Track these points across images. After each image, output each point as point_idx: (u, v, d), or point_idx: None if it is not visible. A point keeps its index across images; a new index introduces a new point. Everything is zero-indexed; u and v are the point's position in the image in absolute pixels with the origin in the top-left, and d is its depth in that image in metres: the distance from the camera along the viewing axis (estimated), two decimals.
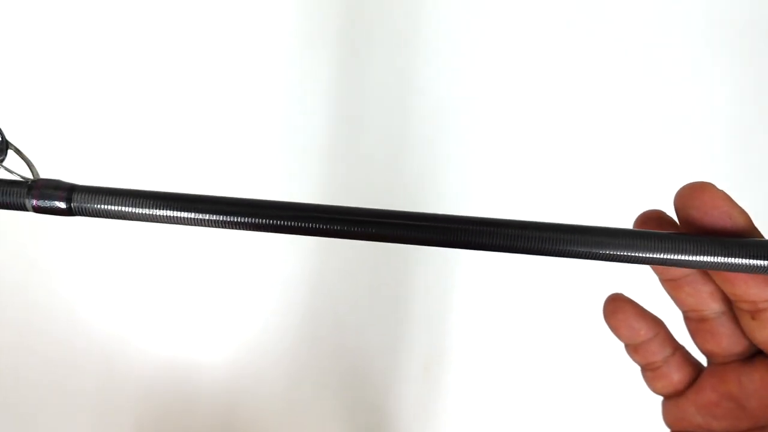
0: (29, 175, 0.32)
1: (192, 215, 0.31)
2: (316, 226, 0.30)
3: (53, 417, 0.80)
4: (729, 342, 0.26)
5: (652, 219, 0.26)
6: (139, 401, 0.78)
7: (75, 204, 0.31)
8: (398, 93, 0.66)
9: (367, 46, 0.65)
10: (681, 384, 0.28)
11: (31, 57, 0.67)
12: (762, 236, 0.24)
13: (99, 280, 0.75)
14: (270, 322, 0.75)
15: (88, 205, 0.31)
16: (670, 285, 0.27)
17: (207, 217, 0.31)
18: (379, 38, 0.66)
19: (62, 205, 0.31)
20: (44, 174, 0.33)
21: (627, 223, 0.27)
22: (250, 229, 0.31)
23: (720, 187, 0.23)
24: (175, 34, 0.66)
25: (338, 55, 0.65)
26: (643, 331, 0.28)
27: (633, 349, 0.29)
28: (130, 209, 0.31)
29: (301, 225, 0.30)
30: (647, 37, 0.63)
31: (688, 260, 0.24)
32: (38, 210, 0.32)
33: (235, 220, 0.30)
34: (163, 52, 0.66)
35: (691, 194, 0.23)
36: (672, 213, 0.25)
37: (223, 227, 0.31)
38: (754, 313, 0.23)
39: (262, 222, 0.31)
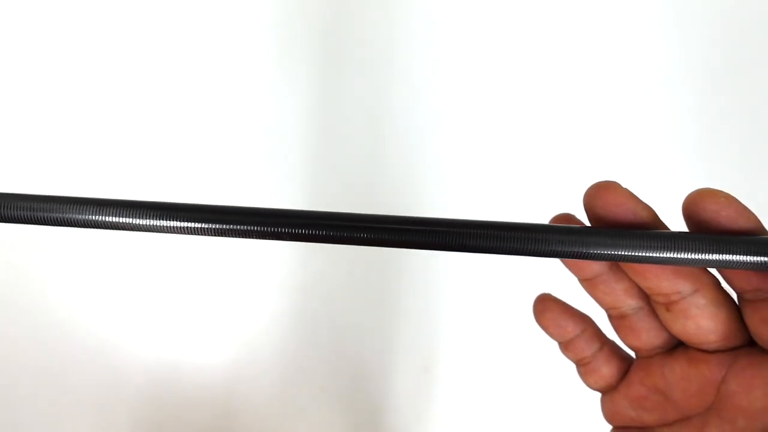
0: None
1: (104, 219, 0.30)
2: (252, 228, 0.29)
3: (52, 418, 0.81)
4: (649, 336, 0.27)
5: (562, 221, 0.27)
6: (136, 404, 0.80)
7: None
8: (378, 101, 0.65)
9: (346, 54, 0.65)
10: (612, 378, 0.29)
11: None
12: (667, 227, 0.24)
13: (96, 282, 0.76)
14: (267, 324, 0.75)
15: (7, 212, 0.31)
16: (587, 284, 0.27)
17: (128, 221, 0.30)
18: (358, 46, 0.65)
19: None
20: None
21: None
22: (189, 234, 0.30)
23: (725, 188, 0.23)
24: (149, 42, 0.67)
25: (317, 63, 0.65)
26: (570, 328, 0.29)
27: (564, 347, 0.30)
28: (43, 214, 0.31)
29: (230, 228, 0.29)
30: (637, 36, 0.61)
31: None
32: None
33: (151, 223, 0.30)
34: (136, 60, 0.67)
35: (597, 193, 0.24)
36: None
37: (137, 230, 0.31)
38: (668, 305, 0.25)
39: (211, 227, 0.30)
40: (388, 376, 0.75)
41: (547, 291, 0.31)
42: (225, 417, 0.78)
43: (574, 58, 0.62)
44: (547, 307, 0.29)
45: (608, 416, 0.30)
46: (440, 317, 0.72)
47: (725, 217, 0.22)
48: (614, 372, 0.29)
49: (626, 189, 0.24)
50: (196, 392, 0.79)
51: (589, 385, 0.30)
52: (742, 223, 0.22)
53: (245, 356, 0.76)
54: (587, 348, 0.29)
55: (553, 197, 0.63)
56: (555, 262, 0.28)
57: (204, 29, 0.66)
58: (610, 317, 0.28)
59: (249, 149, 0.68)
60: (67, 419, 0.80)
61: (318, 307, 0.74)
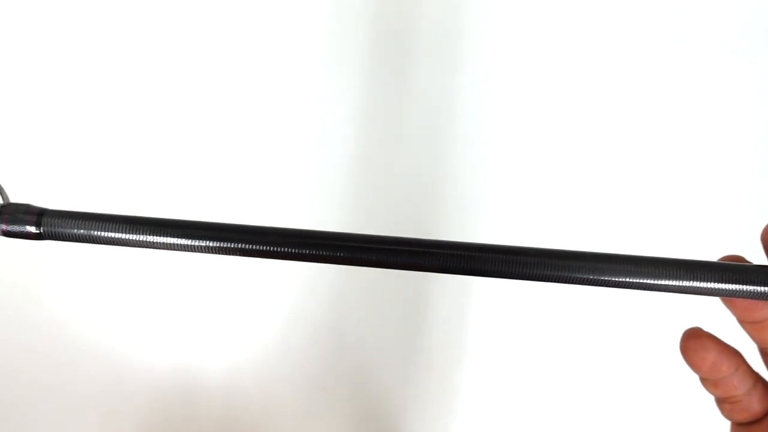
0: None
1: (162, 240, 0.31)
2: (287, 250, 0.30)
3: (58, 421, 0.80)
4: None
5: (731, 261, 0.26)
6: (143, 407, 0.79)
7: (45, 228, 0.31)
8: (432, 113, 0.65)
9: (398, 67, 0.65)
10: (761, 413, 0.28)
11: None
12: None
13: (106, 287, 0.75)
14: (266, 325, 0.75)
15: (59, 229, 0.31)
16: (753, 327, 0.27)
17: (177, 241, 0.31)
18: (412, 58, 0.65)
19: (32, 229, 0.31)
20: (15, 198, 0.33)
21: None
22: (220, 253, 0.30)
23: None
24: (195, 49, 0.66)
25: (368, 74, 0.65)
26: (725, 367, 0.27)
27: (712, 384, 0.28)
28: (100, 233, 0.31)
29: (271, 249, 0.30)
30: (672, 49, 0.62)
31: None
32: (8, 234, 0.31)
33: (206, 244, 0.30)
34: (177, 69, 0.66)
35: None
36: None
37: (193, 251, 0.31)
38: None
39: (231, 246, 0.31)
40: (389, 376, 0.76)
41: (696, 325, 0.29)
42: (225, 417, 0.79)
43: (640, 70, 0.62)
44: (702, 345, 0.27)
45: None
46: (440, 317, 0.73)
47: None
48: (765, 408, 0.28)
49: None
50: (196, 393, 0.79)
51: (731, 420, 0.29)
52: None
53: (246, 356, 0.76)
54: (741, 386, 0.27)
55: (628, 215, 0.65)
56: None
57: (256, 39, 0.65)
58: (765, 354, 0.28)
59: (296, 162, 0.68)
60: (74, 419, 0.78)
61: (318, 309, 0.74)
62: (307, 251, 0.30)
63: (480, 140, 0.65)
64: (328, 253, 0.30)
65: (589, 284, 0.28)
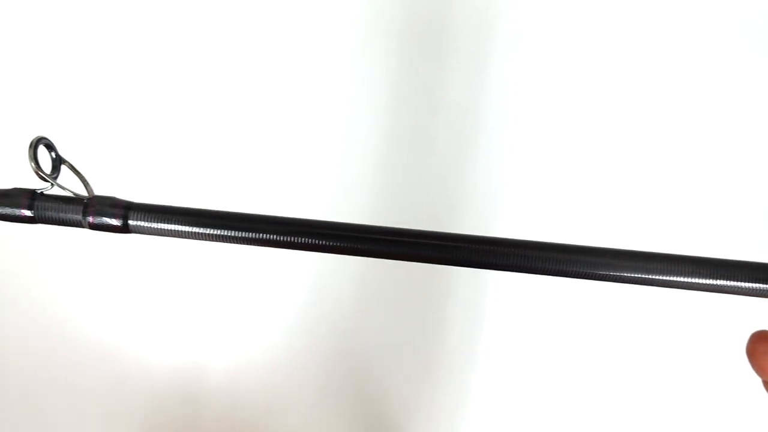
0: (83, 192, 0.33)
1: (247, 235, 0.32)
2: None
3: (62, 418, 0.81)
4: None
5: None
6: (145, 406, 0.80)
7: (131, 222, 0.32)
8: (458, 112, 0.66)
9: (426, 66, 0.65)
10: None
11: (84, 75, 0.66)
12: None
13: (112, 287, 0.76)
14: (266, 325, 0.76)
15: (144, 223, 0.32)
16: None
17: (263, 236, 0.32)
18: (440, 57, 0.65)
19: (117, 222, 0.32)
20: (96, 191, 0.33)
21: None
22: (308, 250, 0.31)
23: None
24: (232, 48, 0.65)
25: (395, 72, 0.65)
26: None
27: None
28: (185, 228, 0.32)
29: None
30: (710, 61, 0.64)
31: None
32: (94, 227, 0.32)
33: (293, 240, 0.31)
34: (220, 70, 0.66)
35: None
36: None
37: (276, 247, 0.32)
38: None
39: (312, 242, 0.31)
40: (389, 376, 0.77)
41: (763, 329, 0.29)
42: (223, 417, 0.80)
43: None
44: None
45: None
46: (440, 318, 0.75)
47: None
48: None
49: None
50: (196, 393, 0.80)
51: None
52: None
53: (246, 357, 0.77)
54: None
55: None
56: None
57: (285, 38, 0.65)
58: None
59: (323, 157, 0.68)
60: (78, 416, 0.78)
61: (319, 310, 0.75)
62: (317, 241, 0.31)
63: (504, 141, 0.66)
64: (333, 243, 0.31)
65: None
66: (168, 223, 0.32)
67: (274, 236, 0.32)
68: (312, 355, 0.77)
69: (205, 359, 0.78)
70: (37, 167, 0.31)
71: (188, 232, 0.32)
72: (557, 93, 0.65)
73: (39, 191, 0.32)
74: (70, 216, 0.32)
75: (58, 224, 0.32)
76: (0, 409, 0.81)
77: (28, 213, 0.32)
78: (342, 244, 0.31)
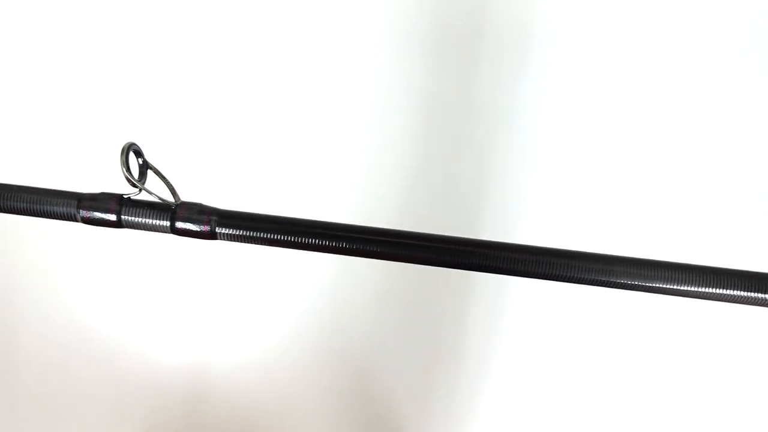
0: (168, 198, 0.33)
1: (331, 244, 0.32)
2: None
3: (66, 416, 0.81)
4: None
5: None
6: (147, 404, 0.80)
7: (219, 229, 0.32)
8: (492, 118, 0.66)
9: (462, 72, 0.66)
10: None
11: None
12: None
13: (114, 287, 0.76)
14: (266, 325, 0.76)
15: (231, 230, 0.32)
16: None
17: (344, 246, 0.32)
18: (476, 63, 0.65)
19: (206, 228, 0.32)
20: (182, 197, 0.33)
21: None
22: (391, 260, 0.32)
23: None
24: (273, 59, 0.66)
25: (432, 77, 0.65)
26: None
27: None
28: (272, 236, 0.32)
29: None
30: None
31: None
32: (181, 233, 0.32)
33: (375, 249, 0.32)
34: (266, 80, 0.66)
35: None
36: None
37: (359, 256, 0.33)
38: None
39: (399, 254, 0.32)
40: (389, 376, 0.78)
41: None
42: (223, 416, 0.80)
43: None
44: None
45: None
46: (440, 318, 0.75)
47: None
48: None
49: None
50: (196, 393, 0.80)
51: None
52: None
53: (246, 357, 0.78)
54: None
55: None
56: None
57: (323, 40, 0.66)
58: None
59: (354, 163, 0.69)
60: (83, 414, 0.80)
61: (319, 310, 0.76)
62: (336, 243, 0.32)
63: (536, 148, 0.67)
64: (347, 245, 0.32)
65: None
66: (255, 231, 0.32)
67: (362, 246, 0.32)
68: (317, 356, 0.78)
69: (208, 359, 0.78)
70: (128, 173, 0.31)
71: (276, 239, 0.32)
72: (590, 103, 0.65)
73: (126, 196, 0.32)
74: (157, 222, 0.32)
75: (145, 230, 0.32)
76: (0, 409, 0.81)
77: (116, 218, 0.32)
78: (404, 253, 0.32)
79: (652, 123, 0.65)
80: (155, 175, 0.33)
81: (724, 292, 0.31)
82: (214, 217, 0.32)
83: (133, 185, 0.32)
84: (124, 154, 0.31)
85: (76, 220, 0.32)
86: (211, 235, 0.32)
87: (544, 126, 0.67)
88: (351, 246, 0.32)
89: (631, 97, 0.65)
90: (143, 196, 0.33)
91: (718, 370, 0.70)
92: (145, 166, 0.33)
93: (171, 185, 0.33)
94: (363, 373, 0.78)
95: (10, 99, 0.67)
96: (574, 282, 0.32)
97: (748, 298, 0.31)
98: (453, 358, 0.76)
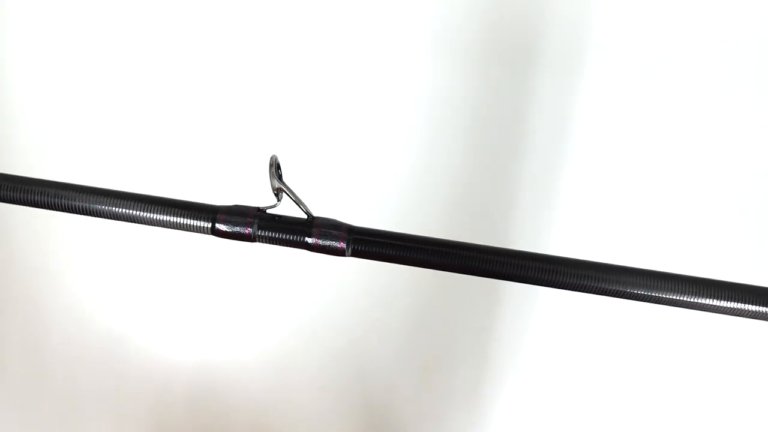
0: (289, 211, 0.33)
1: (454, 263, 0.33)
2: None
3: (63, 415, 0.79)
4: None
5: None
6: (138, 402, 0.78)
7: (353, 245, 0.32)
8: (547, 127, 0.66)
9: (518, 79, 0.66)
10: None
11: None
12: None
13: (124, 283, 0.74)
14: (266, 325, 0.76)
15: (366, 248, 0.32)
16: None
17: (474, 265, 0.33)
18: (532, 71, 0.65)
19: (341, 244, 0.32)
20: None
21: None
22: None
23: None
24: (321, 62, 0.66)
25: (487, 82, 0.66)
26: None
27: None
28: (408, 255, 0.32)
29: None
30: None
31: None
32: (317, 249, 0.32)
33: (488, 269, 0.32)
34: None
35: None
36: None
37: (488, 276, 0.33)
38: None
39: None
40: (389, 376, 0.77)
41: None
42: (224, 416, 0.79)
43: None
44: None
45: None
46: (441, 318, 0.75)
47: None
48: None
49: None
50: (196, 392, 0.78)
51: None
52: None
53: (245, 358, 0.77)
54: None
55: None
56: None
57: (374, 44, 0.66)
58: None
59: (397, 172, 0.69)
60: (87, 413, 0.78)
61: (319, 310, 0.75)
62: None
63: (589, 163, 0.67)
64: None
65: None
66: (390, 249, 0.32)
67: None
68: (310, 353, 0.77)
69: (211, 357, 0.77)
70: (278, 186, 0.31)
71: (410, 258, 0.33)
72: (644, 115, 0.65)
73: (263, 210, 0.32)
74: (294, 237, 0.32)
75: (279, 244, 0.32)
76: (2, 408, 0.79)
77: (251, 231, 0.32)
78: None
79: (698, 143, 0.65)
80: (285, 189, 0.32)
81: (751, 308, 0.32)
82: (349, 234, 0.32)
83: (277, 197, 0.32)
84: (274, 167, 0.31)
85: (207, 233, 0.32)
86: (345, 252, 0.32)
87: (600, 141, 0.67)
88: (478, 266, 0.33)
89: (685, 116, 0.65)
90: (274, 210, 0.32)
91: (745, 385, 0.71)
92: (281, 180, 0.32)
93: (301, 200, 0.33)
94: (364, 373, 0.78)
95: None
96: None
97: None
98: (454, 358, 0.76)
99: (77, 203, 0.31)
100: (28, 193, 0.31)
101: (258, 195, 0.65)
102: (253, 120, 0.67)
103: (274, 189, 0.31)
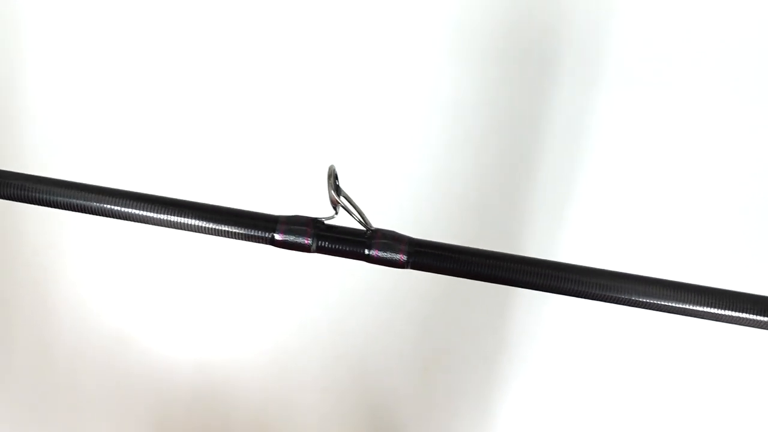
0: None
1: (529, 280, 0.32)
2: None
3: (73, 415, 0.79)
4: None
5: None
6: (138, 401, 0.78)
7: (414, 258, 0.31)
8: (564, 135, 0.66)
9: (537, 85, 0.65)
10: None
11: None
12: None
13: (125, 283, 0.75)
14: (266, 325, 0.76)
15: (427, 260, 0.32)
16: None
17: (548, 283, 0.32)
18: (552, 76, 0.65)
19: (402, 257, 0.31)
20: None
21: None
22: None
23: None
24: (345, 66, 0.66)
25: (505, 89, 0.65)
26: None
27: None
28: (468, 269, 0.32)
29: None
30: None
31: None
32: (376, 261, 0.31)
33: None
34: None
35: None
36: None
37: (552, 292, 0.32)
38: None
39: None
40: (391, 377, 0.77)
41: None
42: (224, 416, 0.79)
43: None
44: None
45: None
46: (443, 319, 0.75)
47: None
48: None
49: None
50: (197, 392, 0.78)
51: None
52: None
53: (245, 357, 0.77)
54: None
55: None
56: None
57: (396, 49, 0.65)
58: None
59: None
60: (88, 412, 0.79)
61: (319, 311, 0.75)
62: None
63: (605, 172, 0.67)
64: None
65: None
66: (451, 263, 0.32)
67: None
68: (310, 354, 0.77)
69: (213, 357, 0.77)
70: (336, 197, 0.30)
71: (470, 272, 0.32)
72: (659, 123, 0.65)
73: (321, 220, 0.32)
74: (353, 248, 0.31)
75: (338, 255, 0.32)
76: (6, 407, 0.80)
77: (311, 242, 0.31)
78: None
79: (713, 148, 0.64)
80: (345, 200, 0.32)
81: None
82: (409, 246, 0.31)
83: (334, 209, 0.31)
84: (332, 177, 0.31)
85: (266, 243, 0.31)
86: (406, 264, 0.32)
87: (618, 151, 0.66)
88: (543, 282, 0.32)
89: (704, 127, 0.64)
90: (333, 221, 0.32)
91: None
92: (337, 191, 0.32)
93: (361, 211, 0.32)
94: (366, 374, 0.78)
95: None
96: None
97: None
98: (454, 359, 0.76)
99: (125, 210, 0.31)
100: (84, 200, 0.31)
101: (278, 199, 0.66)
102: (267, 122, 0.67)
103: (332, 200, 0.31)
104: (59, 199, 0.31)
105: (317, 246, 0.31)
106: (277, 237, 0.31)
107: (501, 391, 0.76)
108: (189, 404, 0.79)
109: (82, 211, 0.30)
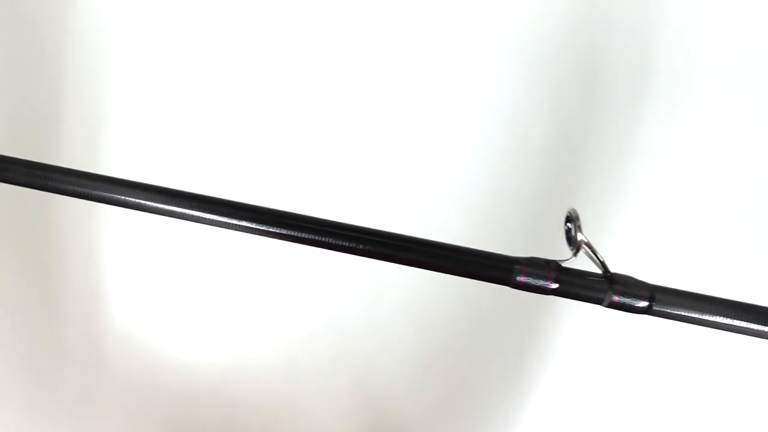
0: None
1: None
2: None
3: (77, 414, 0.80)
4: None
5: None
6: (138, 400, 0.79)
7: (656, 306, 0.31)
8: (604, 150, 0.66)
9: (584, 96, 0.65)
10: None
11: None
12: None
13: (130, 285, 0.76)
14: (265, 325, 0.76)
15: (667, 309, 0.31)
16: None
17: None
18: (599, 87, 0.65)
19: (642, 304, 0.31)
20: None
21: None
22: None
23: None
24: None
25: (555, 101, 0.66)
26: None
27: None
28: (710, 317, 0.31)
29: None
30: None
31: None
32: (615, 306, 0.31)
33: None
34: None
35: None
36: None
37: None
38: None
39: None
40: (392, 378, 0.77)
41: None
42: (224, 417, 0.79)
43: None
44: None
45: None
46: (445, 320, 0.75)
47: None
48: None
49: None
50: (196, 392, 0.79)
51: None
52: None
53: (245, 357, 0.77)
54: None
55: None
56: None
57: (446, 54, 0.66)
58: None
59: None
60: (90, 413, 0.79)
61: (318, 310, 0.75)
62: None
63: (653, 185, 0.66)
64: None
65: None
66: (693, 312, 0.31)
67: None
68: (309, 353, 0.77)
69: (212, 359, 0.78)
70: (584, 241, 0.30)
71: (711, 321, 0.31)
72: (705, 141, 0.64)
73: (562, 263, 0.32)
74: (593, 294, 0.31)
75: (577, 299, 0.31)
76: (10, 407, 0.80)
77: (554, 286, 0.31)
78: None
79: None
80: (584, 245, 0.32)
81: None
82: (651, 293, 0.31)
83: (576, 252, 0.31)
84: (575, 221, 0.31)
85: (504, 284, 0.32)
86: (646, 310, 0.31)
87: (666, 165, 0.65)
88: None
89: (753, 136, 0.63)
90: (569, 264, 0.32)
91: None
92: (575, 233, 0.32)
93: (600, 256, 0.32)
94: (367, 375, 0.78)
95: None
96: None
97: None
98: (454, 359, 0.76)
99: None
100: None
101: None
102: (309, 128, 0.69)
103: (573, 243, 0.31)
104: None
105: (557, 290, 0.31)
106: (519, 279, 0.31)
107: (501, 391, 0.76)
108: (190, 404, 0.80)
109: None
